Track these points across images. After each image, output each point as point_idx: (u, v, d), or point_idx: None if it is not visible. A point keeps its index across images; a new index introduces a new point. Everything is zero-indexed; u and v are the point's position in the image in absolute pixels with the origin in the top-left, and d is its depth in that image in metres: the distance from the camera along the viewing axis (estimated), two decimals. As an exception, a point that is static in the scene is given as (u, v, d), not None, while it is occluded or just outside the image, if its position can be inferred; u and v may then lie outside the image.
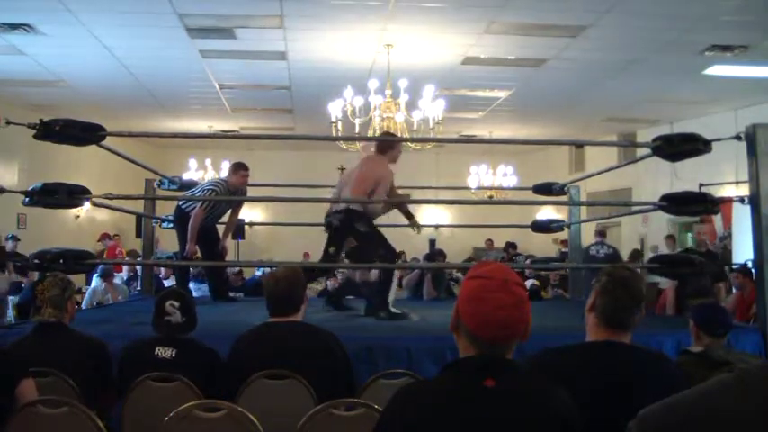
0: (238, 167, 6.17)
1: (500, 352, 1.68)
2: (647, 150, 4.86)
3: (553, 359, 2.18)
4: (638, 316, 2.20)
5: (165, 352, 3.02)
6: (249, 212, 14.87)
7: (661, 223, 11.87)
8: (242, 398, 2.76)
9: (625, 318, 2.19)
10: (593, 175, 7.44)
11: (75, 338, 3.17)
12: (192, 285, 9.29)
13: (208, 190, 6.08)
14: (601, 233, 9.15)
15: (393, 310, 5.09)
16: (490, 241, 14.61)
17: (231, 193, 6.08)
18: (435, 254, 8.52)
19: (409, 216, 5.62)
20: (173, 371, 2.90)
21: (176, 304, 3.10)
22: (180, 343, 3.07)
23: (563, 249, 12.02)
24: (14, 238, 9.57)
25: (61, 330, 3.16)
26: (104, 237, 11.96)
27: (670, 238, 11.20)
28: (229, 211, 6.43)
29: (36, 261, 4.21)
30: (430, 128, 8.18)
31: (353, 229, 5.06)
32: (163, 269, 8.82)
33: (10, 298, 8.61)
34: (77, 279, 8.05)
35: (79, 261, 4.39)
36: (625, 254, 13.41)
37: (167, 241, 10.53)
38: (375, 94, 7.96)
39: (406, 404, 1.67)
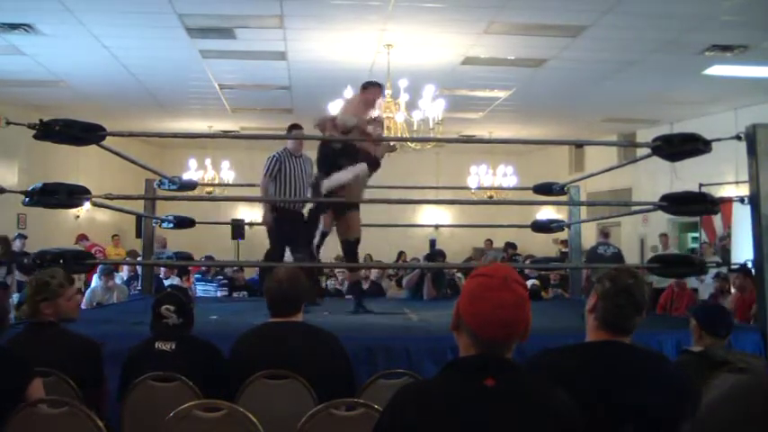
0: (289, 129, 5.91)
1: (500, 351, 1.68)
2: (647, 150, 4.86)
3: (553, 359, 2.17)
4: (638, 320, 2.20)
5: (165, 345, 3.05)
6: (249, 212, 14.88)
7: (661, 223, 11.87)
8: (242, 398, 2.76)
9: (626, 323, 2.19)
10: (593, 174, 7.44)
11: (63, 337, 3.15)
12: (198, 285, 9.31)
13: (269, 159, 5.81)
14: (605, 234, 9.21)
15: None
16: (489, 241, 14.61)
17: (295, 157, 5.84)
18: (435, 254, 8.52)
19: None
20: (173, 363, 2.92)
21: (172, 308, 3.11)
22: (180, 337, 3.09)
23: (563, 249, 12.02)
24: (22, 237, 9.66)
25: (51, 329, 3.14)
26: (81, 238, 11.90)
27: (664, 236, 11.22)
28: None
29: (36, 261, 4.21)
30: (430, 128, 8.18)
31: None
32: (163, 269, 8.83)
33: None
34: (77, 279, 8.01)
35: (79, 261, 4.40)
36: (624, 252, 13.45)
37: (172, 242, 10.52)
38: (375, 94, 7.95)
39: (405, 404, 1.67)
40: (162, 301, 3.17)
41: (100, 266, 7.89)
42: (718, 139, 4.50)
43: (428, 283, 7.48)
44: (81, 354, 3.12)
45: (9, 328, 3.26)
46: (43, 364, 2.89)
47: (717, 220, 10.27)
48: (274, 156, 5.79)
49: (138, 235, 9.11)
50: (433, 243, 11.32)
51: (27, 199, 4.16)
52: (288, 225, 5.73)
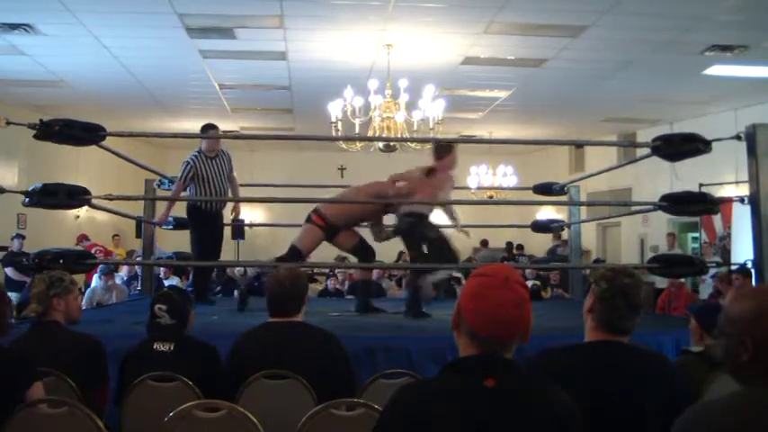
0: (203, 129, 5.99)
1: (500, 351, 1.68)
2: (647, 150, 4.86)
3: (553, 359, 2.17)
4: (637, 320, 2.20)
5: (163, 346, 3.05)
6: (249, 213, 14.87)
7: (661, 223, 11.88)
8: (242, 398, 2.76)
9: (624, 324, 2.19)
10: (593, 174, 7.44)
11: (67, 336, 3.16)
12: None
13: (184, 164, 5.95)
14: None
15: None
16: (485, 241, 14.57)
17: (209, 159, 5.95)
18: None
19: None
20: (171, 364, 2.92)
21: (164, 307, 3.11)
22: (178, 338, 3.09)
23: (556, 243, 11.86)
24: (20, 237, 9.66)
25: (52, 328, 3.15)
26: (82, 238, 11.92)
27: (671, 236, 11.23)
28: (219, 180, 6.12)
29: (36, 261, 4.21)
30: (430, 128, 8.18)
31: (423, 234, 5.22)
32: (163, 269, 8.83)
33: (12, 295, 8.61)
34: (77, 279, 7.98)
35: (79, 261, 4.40)
36: (624, 252, 13.46)
37: (172, 242, 10.50)
38: (375, 94, 7.96)
39: (406, 404, 1.67)
40: (156, 300, 3.19)
41: (100, 266, 7.89)
42: (719, 139, 4.50)
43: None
44: (86, 352, 3.13)
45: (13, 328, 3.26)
46: (48, 363, 2.90)
47: (717, 220, 10.27)
48: (188, 161, 5.92)
49: (138, 235, 9.12)
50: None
51: (27, 199, 4.17)
52: (209, 225, 5.96)
